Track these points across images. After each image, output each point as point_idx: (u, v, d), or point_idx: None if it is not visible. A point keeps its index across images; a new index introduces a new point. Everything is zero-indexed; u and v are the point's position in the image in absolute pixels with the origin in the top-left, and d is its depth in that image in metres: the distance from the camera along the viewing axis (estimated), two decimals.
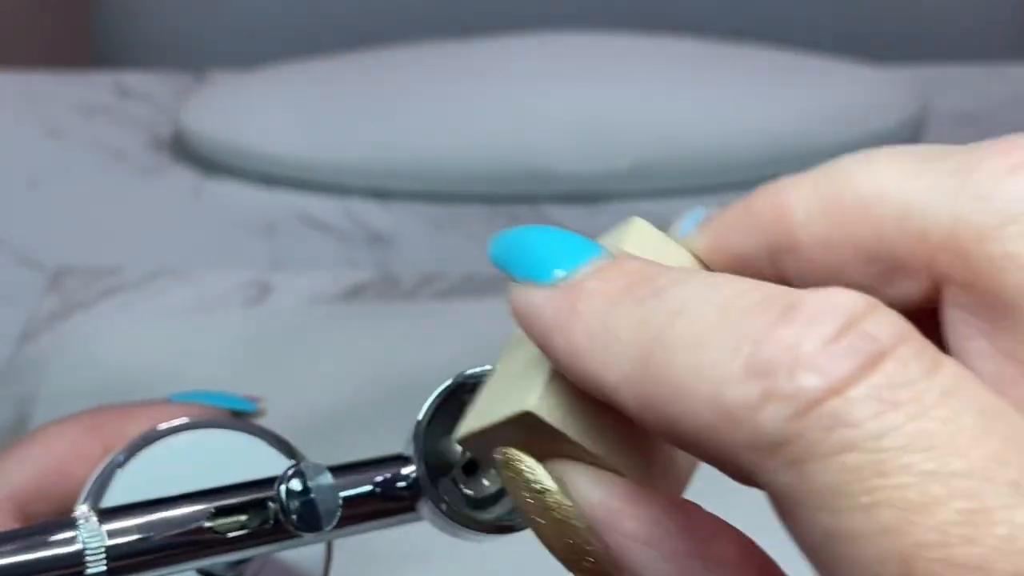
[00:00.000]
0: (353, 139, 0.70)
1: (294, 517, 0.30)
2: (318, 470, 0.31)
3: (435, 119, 0.70)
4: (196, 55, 0.91)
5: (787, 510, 0.18)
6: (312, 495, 0.30)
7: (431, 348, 0.57)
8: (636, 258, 0.21)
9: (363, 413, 0.54)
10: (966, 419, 0.17)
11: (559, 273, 0.21)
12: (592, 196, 0.70)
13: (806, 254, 0.21)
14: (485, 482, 0.31)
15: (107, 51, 0.97)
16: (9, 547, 0.28)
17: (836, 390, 0.17)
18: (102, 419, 0.35)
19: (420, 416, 0.31)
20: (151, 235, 0.68)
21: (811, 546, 0.17)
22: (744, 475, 0.18)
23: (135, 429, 0.34)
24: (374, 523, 0.31)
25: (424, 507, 0.31)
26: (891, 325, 0.17)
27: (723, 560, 0.20)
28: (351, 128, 0.71)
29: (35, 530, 0.29)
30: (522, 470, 0.21)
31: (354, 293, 0.60)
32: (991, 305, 0.19)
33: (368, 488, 0.31)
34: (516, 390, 0.21)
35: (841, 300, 0.18)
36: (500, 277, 0.68)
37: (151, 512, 0.30)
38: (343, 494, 0.31)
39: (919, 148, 0.21)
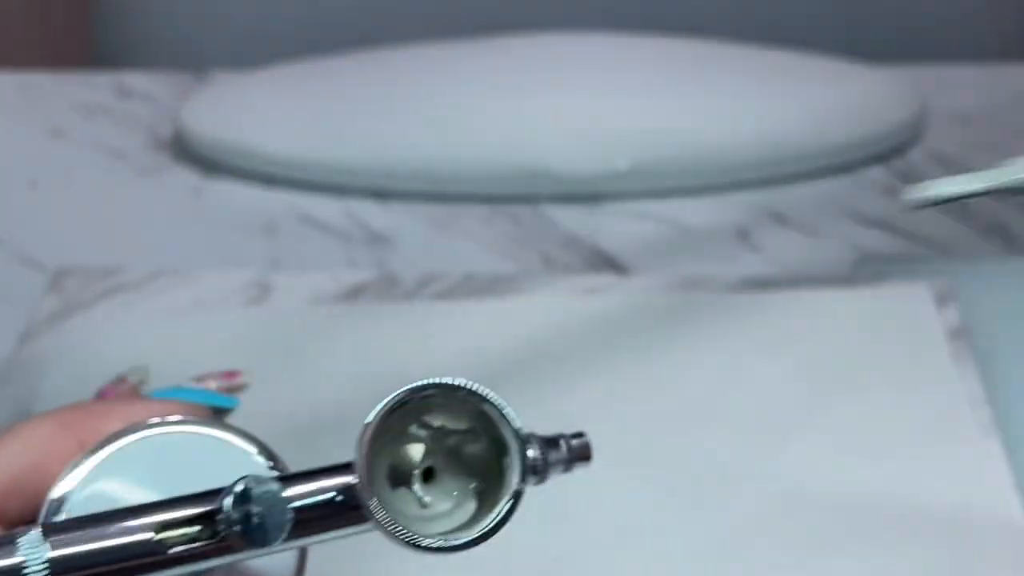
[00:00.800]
0: (353, 139, 0.71)
1: (242, 531, 0.29)
2: (266, 482, 0.30)
3: (435, 119, 0.70)
4: (196, 56, 0.92)
5: None
6: (259, 509, 0.29)
7: (431, 348, 0.57)
8: None
9: (363, 413, 0.54)
10: None
11: None
12: (591, 196, 0.70)
13: None
14: (445, 491, 0.31)
15: (108, 52, 0.97)
16: None
17: None
18: (79, 416, 0.34)
19: (368, 419, 0.30)
20: (151, 235, 0.68)
21: None
22: None
23: (113, 426, 0.34)
24: (328, 533, 0.30)
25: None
26: None
27: None
28: (351, 128, 0.71)
29: None
30: None
31: (354, 293, 0.60)
32: None
33: (320, 498, 0.30)
34: None
35: None
36: (500, 277, 0.69)
37: (97, 526, 0.29)
38: (294, 505, 0.30)
39: None
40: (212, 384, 0.42)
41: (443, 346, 0.57)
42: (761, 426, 0.53)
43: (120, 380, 0.44)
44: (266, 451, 0.33)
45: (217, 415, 0.37)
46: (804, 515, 0.49)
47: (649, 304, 0.59)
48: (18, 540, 0.28)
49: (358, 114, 0.71)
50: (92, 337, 0.57)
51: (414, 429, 0.32)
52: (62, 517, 0.31)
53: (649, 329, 0.58)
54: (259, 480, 0.30)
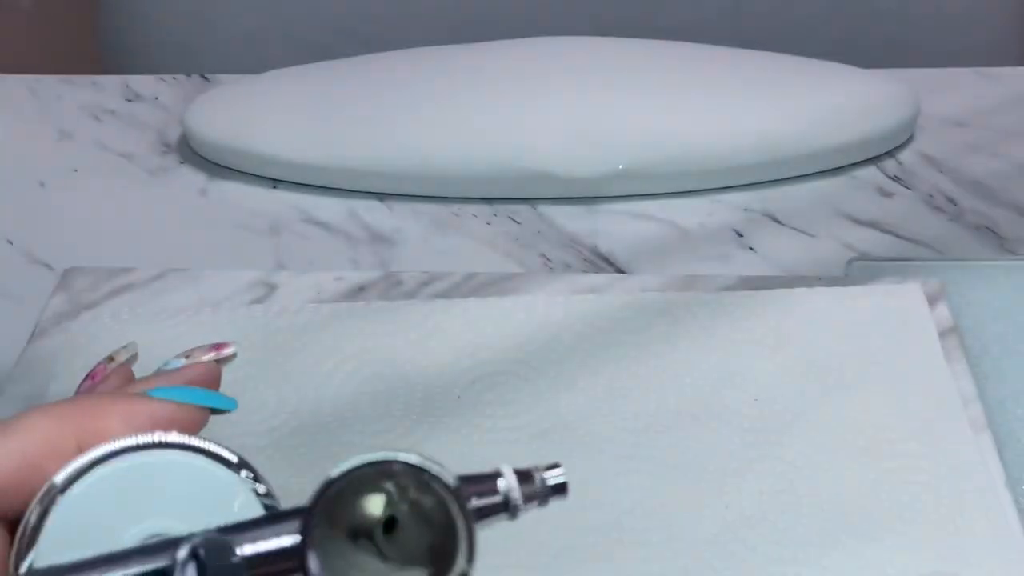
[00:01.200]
0: (356, 142, 0.70)
1: None
2: (214, 537, 0.30)
3: (436, 122, 0.70)
4: (202, 60, 0.92)
5: None
6: (208, 562, 0.29)
7: (432, 348, 0.57)
8: None
9: (365, 412, 0.54)
10: None
11: None
12: (590, 197, 0.70)
13: None
14: (403, 543, 0.30)
15: (116, 57, 0.97)
16: None
17: None
18: (77, 412, 0.34)
19: (332, 473, 0.30)
20: (158, 236, 0.69)
21: None
22: None
23: (108, 426, 0.33)
24: None
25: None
26: None
27: None
28: (354, 131, 0.71)
29: None
30: None
31: (357, 292, 0.61)
32: None
33: (274, 546, 0.30)
34: None
35: None
36: (501, 277, 0.70)
37: None
38: (246, 553, 0.30)
39: None
40: (201, 356, 0.41)
41: (444, 346, 0.57)
42: (756, 424, 0.53)
43: (109, 359, 0.44)
44: (252, 471, 0.33)
45: (213, 414, 0.37)
46: (799, 511, 0.50)
47: (646, 303, 0.59)
48: None
49: (361, 117, 0.71)
50: (99, 337, 0.57)
51: (380, 480, 0.31)
52: (39, 541, 0.31)
53: (647, 328, 0.58)
54: (211, 537, 0.30)
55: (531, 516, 0.48)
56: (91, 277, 0.61)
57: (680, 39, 0.78)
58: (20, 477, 0.33)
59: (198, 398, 0.37)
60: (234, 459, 0.33)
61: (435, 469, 0.31)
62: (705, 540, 0.49)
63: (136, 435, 0.33)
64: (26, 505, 0.32)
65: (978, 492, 0.50)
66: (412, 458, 0.31)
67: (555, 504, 0.49)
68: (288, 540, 0.30)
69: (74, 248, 0.67)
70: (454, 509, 0.31)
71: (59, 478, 0.32)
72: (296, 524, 0.30)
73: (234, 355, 0.39)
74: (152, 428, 0.34)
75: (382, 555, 0.30)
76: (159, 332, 0.57)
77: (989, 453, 0.52)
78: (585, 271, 0.65)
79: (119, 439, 0.33)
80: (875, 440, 0.52)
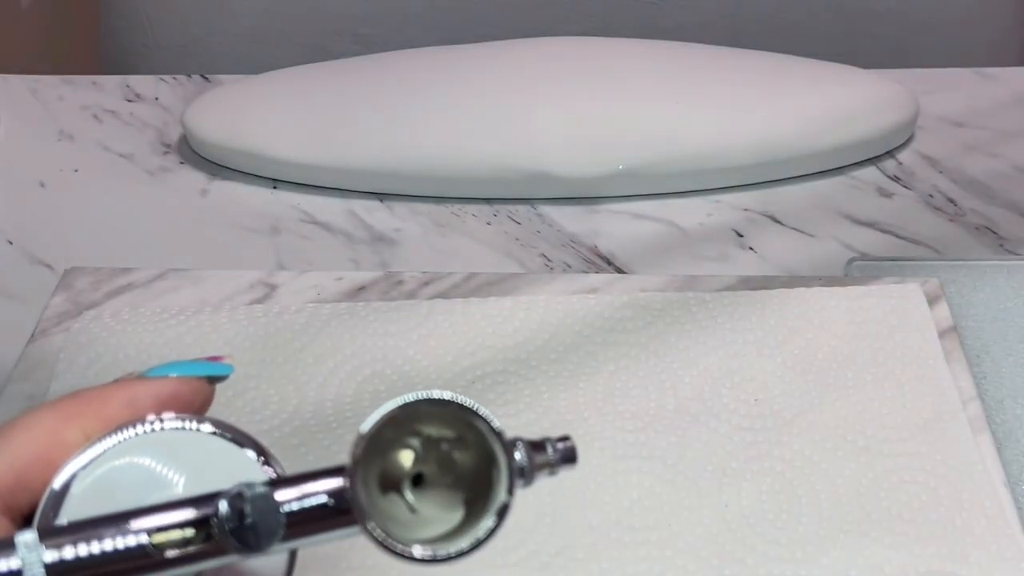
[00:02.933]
0: (356, 142, 0.70)
1: (236, 536, 0.30)
2: (259, 487, 0.30)
3: (436, 122, 0.70)
4: (203, 61, 0.92)
5: None
6: (252, 513, 0.30)
7: (432, 347, 0.57)
8: None
9: (366, 412, 0.54)
10: None
11: None
12: (590, 197, 0.70)
13: None
14: (435, 497, 0.31)
15: (116, 57, 0.97)
16: None
17: None
18: (80, 404, 0.34)
19: (361, 430, 0.30)
20: (159, 236, 0.69)
21: None
22: None
23: (113, 411, 0.34)
24: (319, 536, 0.31)
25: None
26: None
27: None
28: (354, 131, 0.71)
29: None
30: None
31: (357, 292, 0.61)
32: None
33: (312, 503, 0.30)
34: None
35: None
36: (501, 277, 0.70)
37: (93, 530, 0.29)
38: (286, 509, 0.30)
39: None
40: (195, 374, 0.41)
41: (444, 345, 0.57)
42: (756, 423, 0.53)
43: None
44: (258, 448, 0.34)
45: (212, 383, 0.37)
46: (799, 510, 0.50)
47: (646, 303, 0.59)
48: (16, 543, 0.29)
49: (361, 117, 0.71)
50: (100, 337, 0.57)
51: (406, 436, 0.32)
52: (60, 516, 0.32)
53: (646, 328, 0.58)
54: (252, 486, 0.30)
55: (531, 517, 0.48)
56: (92, 277, 0.61)
57: (680, 39, 0.78)
58: (29, 473, 0.33)
59: (195, 369, 0.37)
60: (243, 436, 0.33)
61: (469, 403, 0.31)
62: (705, 539, 0.49)
63: (144, 418, 0.33)
64: (36, 499, 0.33)
65: (977, 492, 0.50)
66: (446, 394, 0.31)
67: (555, 502, 0.49)
68: (325, 495, 0.30)
69: (75, 248, 0.67)
70: (491, 438, 0.31)
71: (70, 466, 0.32)
72: (334, 480, 0.30)
73: (227, 375, 0.39)
74: (157, 408, 0.34)
75: (420, 493, 0.31)
76: (160, 332, 0.57)
77: (988, 453, 0.52)
78: (585, 271, 0.65)
79: (132, 423, 0.33)
80: (874, 439, 0.52)
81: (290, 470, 0.51)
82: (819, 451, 0.52)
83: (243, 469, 0.33)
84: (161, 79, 0.82)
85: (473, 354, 0.56)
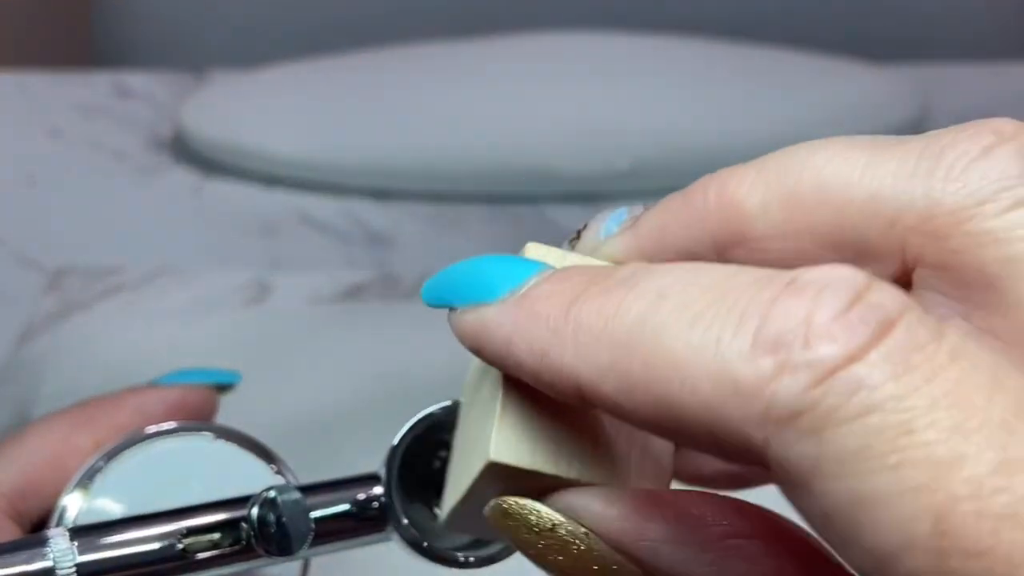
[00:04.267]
0: (353, 139, 0.70)
1: (266, 540, 0.30)
2: (290, 491, 0.31)
3: (435, 119, 0.70)
4: (196, 55, 0.91)
5: (801, 483, 0.17)
6: (283, 517, 0.30)
7: (431, 348, 0.57)
8: (584, 266, 0.21)
9: (363, 414, 0.54)
10: (978, 377, 0.17)
11: (505, 290, 0.20)
12: (593, 196, 0.70)
13: (760, 244, 0.21)
14: None
15: (107, 51, 0.97)
16: None
17: (853, 357, 0.17)
18: (90, 412, 0.35)
19: (395, 441, 0.31)
20: (151, 235, 0.68)
21: (832, 516, 0.17)
22: (746, 452, 0.18)
23: (123, 419, 0.34)
24: (346, 543, 0.31)
25: (394, 532, 0.31)
26: (894, 296, 0.18)
27: (752, 533, 0.20)
28: (351, 128, 0.71)
29: (6, 548, 0.29)
30: (523, 515, 0.20)
31: (354, 293, 0.60)
32: (970, 284, 0.20)
33: (340, 508, 0.31)
34: (475, 446, 0.21)
35: (843, 275, 0.18)
36: None
37: (123, 531, 0.30)
38: (315, 515, 0.31)
39: (871, 137, 0.21)
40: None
41: (443, 346, 0.56)
42: None
43: None
44: (268, 455, 0.34)
45: (221, 391, 0.37)
46: None
47: None
48: (48, 543, 0.29)
49: (358, 113, 0.71)
50: (91, 338, 0.57)
51: (435, 444, 0.32)
52: (74, 521, 0.32)
53: None
54: (283, 490, 0.31)
55: None
56: (82, 277, 0.61)
57: (685, 31, 0.78)
58: (40, 480, 0.33)
59: (204, 377, 0.37)
60: (254, 443, 0.34)
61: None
62: None
63: (156, 423, 0.34)
64: (47, 506, 0.33)
65: None
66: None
67: None
68: (354, 502, 0.31)
69: (65, 248, 0.67)
70: None
71: (85, 467, 0.33)
72: (363, 487, 0.31)
73: (236, 384, 0.40)
74: (165, 414, 0.35)
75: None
76: (152, 334, 0.57)
77: None
78: None
79: (144, 428, 0.34)
80: None
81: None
82: None
83: (255, 475, 0.33)
84: (153, 75, 0.82)
85: (473, 355, 0.56)
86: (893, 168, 0.21)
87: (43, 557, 0.28)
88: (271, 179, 0.72)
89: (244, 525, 0.30)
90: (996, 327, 0.19)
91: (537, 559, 0.21)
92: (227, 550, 0.30)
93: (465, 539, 0.31)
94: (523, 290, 0.20)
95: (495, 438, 0.20)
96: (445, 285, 0.22)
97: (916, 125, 0.74)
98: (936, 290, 0.20)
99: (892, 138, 0.21)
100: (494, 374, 0.21)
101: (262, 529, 0.30)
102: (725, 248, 0.22)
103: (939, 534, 0.16)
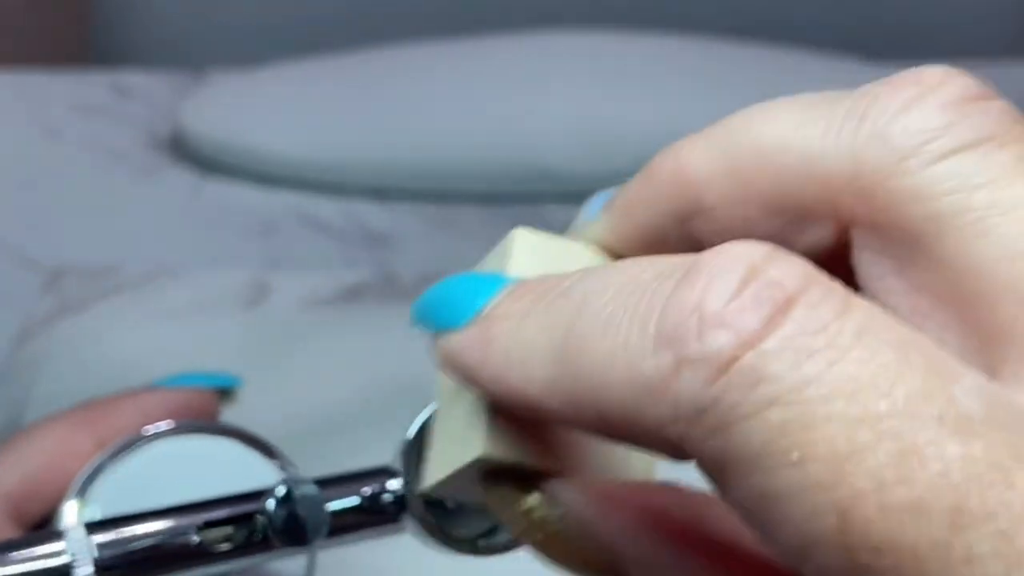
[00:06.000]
0: (352, 138, 0.70)
1: (282, 532, 0.30)
2: (305, 484, 0.31)
3: (435, 118, 0.70)
4: (194, 54, 0.91)
5: (719, 478, 0.17)
6: (299, 510, 0.31)
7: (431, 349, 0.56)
8: (537, 279, 0.21)
9: (362, 414, 0.54)
10: (884, 356, 0.16)
11: (469, 314, 0.21)
12: (592, 195, 0.70)
13: (713, 215, 0.21)
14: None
15: (105, 49, 0.97)
16: None
17: (748, 344, 0.16)
18: (91, 413, 0.35)
19: (409, 434, 0.31)
20: (149, 235, 0.68)
21: (748, 511, 0.17)
22: (676, 451, 0.17)
23: (124, 421, 0.34)
24: (360, 535, 0.32)
25: (409, 522, 0.31)
26: (794, 269, 0.17)
27: (724, 528, 0.19)
28: (350, 127, 0.71)
29: (23, 542, 0.29)
30: (506, 500, 0.21)
31: (353, 293, 0.60)
32: (898, 241, 0.19)
33: (355, 501, 0.31)
34: (463, 439, 0.21)
35: (738, 251, 0.17)
36: None
37: (139, 524, 0.30)
38: (330, 508, 0.31)
39: (813, 95, 0.21)
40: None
41: None
42: None
43: None
44: (271, 452, 0.34)
45: (223, 396, 0.38)
46: None
47: None
48: (66, 537, 0.29)
49: (357, 113, 0.71)
50: (89, 338, 0.56)
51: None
52: (78, 521, 0.31)
53: None
54: (299, 482, 0.31)
55: None
56: (80, 277, 0.61)
57: (685, 31, 0.78)
58: (41, 480, 0.33)
59: (206, 381, 0.37)
60: (257, 440, 0.34)
61: None
62: None
63: (158, 423, 0.34)
64: (48, 508, 0.33)
65: None
66: None
67: None
68: (368, 495, 0.31)
69: (62, 248, 0.67)
70: None
71: (87, 469, 0.33)
72: (377, 480, 0.32)
73: (237, 387, 0.40)
74: (167, 417, 0.35)
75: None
76: (149, 335, 0.57)
77: None
78: None
79: (146, 428, 0.34)
80: None
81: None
82: None
83: (259, 470, 0.33)
84: (151, 74, 0.82)
85: None
86: (822, 128, 0.20)
87: (61, 552, 0.29)
88: (270, 179, 0.72)
89: (260, 518, 0.30)
90: (927, 283, 0.19)
91: (522, 537, 0.21)
92: (243, 542, 0.30)
93: (482, 527, 0.31)
94: (484, 311, 0.20)
95: (486, 435, 0.21)
96: (425, 308, 0.22)
97: None
98: (872, 249, 0.20)
99: (829, 95, 0.21)
100: None
101: (279, 521, 0.30)
102: (684, 220, 0.21)
103: (844, 530, 0.16)
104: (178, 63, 0.85)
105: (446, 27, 0.83)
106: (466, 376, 0.20)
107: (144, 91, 0.80)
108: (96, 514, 0.32)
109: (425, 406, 0.32)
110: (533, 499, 0.21)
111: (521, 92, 0.71)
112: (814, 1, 0.94)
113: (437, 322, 0.21)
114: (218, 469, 0.33)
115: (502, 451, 0.21)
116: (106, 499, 0.32)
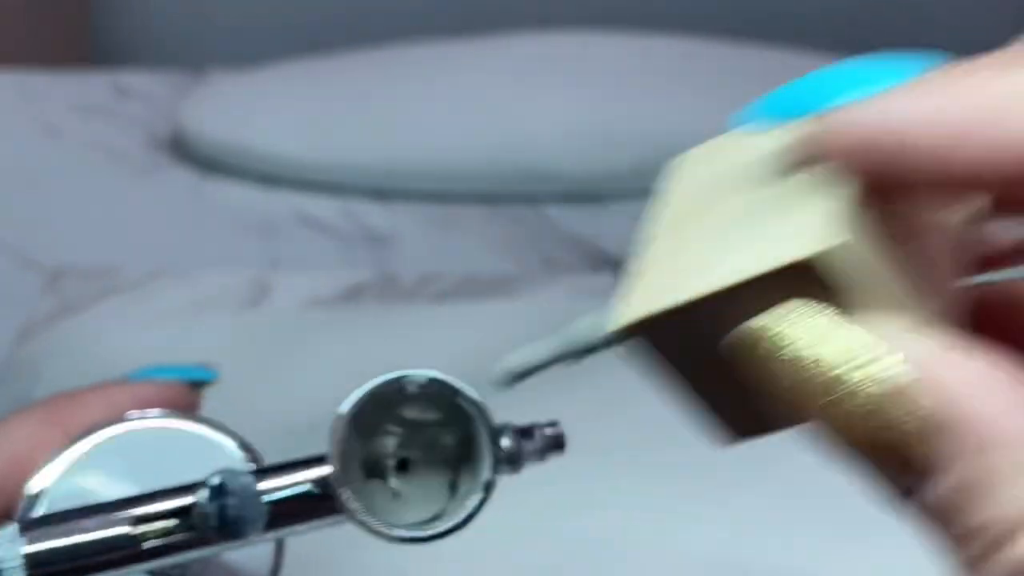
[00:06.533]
0: (352, 138, 0.70)
1: (218, 524, 0.30)
2: (241, 475, 0.30)
3: (435, 118, 0.70)
4: (195, 54, 0.91)
5: None
6: (235, 501, 0.30)
7: (430, 349, 0.57)
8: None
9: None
10: None
11: (899, 80, 0.18)
12: (593, 196, 0.70)
13: None
14: (419, 482, 0.31)
15: (105, 49, 0.97)
16: None
17: None
18: (60, 406, 0.34)
19: (342, 410, 0.30)
20: (149, 235, 0.68)
21: None
22: None
23: (94, 413, 0.34)
24: (302, 525, 0.31)
25: (346, 510, 0.30)
26: None
27: None
28: (350, 127, 0.71)
29: None
30: (791, 343, 0.17)
31: (353, 293, 0.60)
32: None
33: (294, 490, 0.30)
34: (768, 236, 0.18)
35: None
36: (500, 277, 0.68)
37: (74, 521, 0.29)
38: (268, 498, 0.30)
39: None
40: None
41: (442, 347, 0.57)
42: None
43: None
44: (241, 443, 0.33)
45: (196, 388, 0.37)
46: (800, 515, 0.49)
47: None
48: None
49: (358, 113, 0.71)
50: (89, 338, 0.57)
51: (389, 421, 0.31)
52: (40, 513, 0.31)
53: None
54: (234, 474, 0.30)
55: (531, 518, 0.48)
56: (80, 278, 0.61)
57: (685, 26, 0.78)
58: (10, 474, 0.32)
59: (177, 374, 0.37)
60: (225, 430, 0.33)
61: (452, 380, 0.31)
62: (705, 542, 0.48)
63: (124, 416, 0.33)
64: (14, 503, 0.32)
65: None
66: (431, 373, 0.31)
67: (557, 503, 0.48)
68: (308, 483, 0.30)
69: (63, 248, 0.67)
70: (476, 416, 0.31)
71: (48, 466, 0.32)
72: (317, 468, 0.30)
73: (211, 381, 0.39)
74: (136, 409, 0.34)
75: (405, 479, 0.31)
76: (149, 334, 0.57)
77: None
78: (587, 272, 0.65)
79: (109, 421, 0.33)
80: None
81: None
82: (820, 453, 0.51)
83: (225, 463, 0.32)
84: (152, 74, 0.82)
85: (472, 356, 0.56)
86: None
87: None
88: (270, 179, 0.72)
89: (196, 510, 0.30)
90: None
91: (796, 404, 0.17)
92: (180, 537, 0.30)
93: (422, 516, 0.30)
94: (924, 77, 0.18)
95: (830, 230, 0.17)
96: (818, 86, 0.20)
97: None
98: None
99: None
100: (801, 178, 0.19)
101: (214, 514, 0.30)
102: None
103: None
104: (178, 63, 0.85)
105: (446, 27, 0.83)
106: (887, 142, 0.18)
107: (144, 91, 0.80)
108: (55, 508, 0.31)
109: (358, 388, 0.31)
110: (863, 342, 0.16)
111: (521, 92, 0.71)
112: (814, 1, 0.94)
113: (845, 96, 0.19)
114: (184, 460, 0.32)
115: (849, 258, 0.17)
116: (66, 494, 0.32)
